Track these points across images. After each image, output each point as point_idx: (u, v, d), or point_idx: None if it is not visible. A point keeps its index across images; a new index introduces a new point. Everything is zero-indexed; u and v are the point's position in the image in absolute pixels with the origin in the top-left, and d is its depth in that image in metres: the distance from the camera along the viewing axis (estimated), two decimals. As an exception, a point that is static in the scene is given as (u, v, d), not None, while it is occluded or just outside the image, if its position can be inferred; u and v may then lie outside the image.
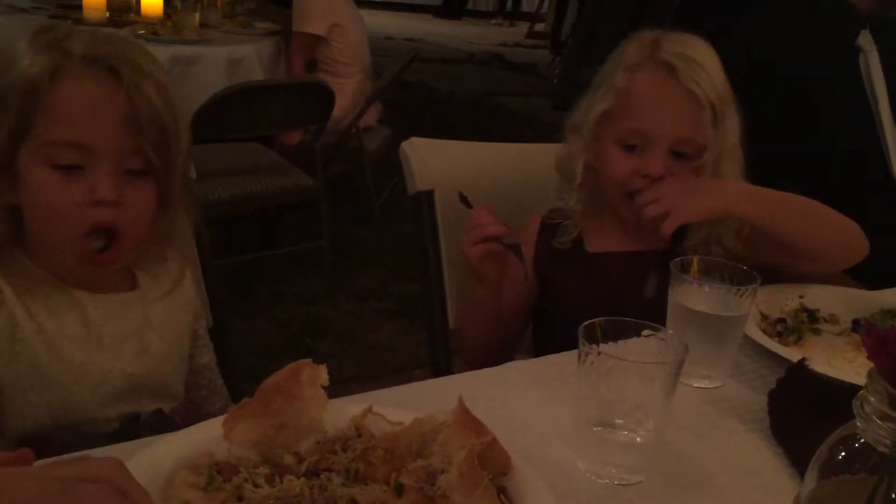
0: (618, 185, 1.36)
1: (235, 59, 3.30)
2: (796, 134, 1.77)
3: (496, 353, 1.41)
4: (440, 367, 1.53)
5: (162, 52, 3.05)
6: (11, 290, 1.02)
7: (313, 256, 3.47)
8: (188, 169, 1.14)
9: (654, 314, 1.06)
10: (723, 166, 1.34)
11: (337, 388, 0.84)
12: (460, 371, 1.49)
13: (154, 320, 1.14)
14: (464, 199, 1.38)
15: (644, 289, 1.28)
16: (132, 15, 3.66)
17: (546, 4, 11.35)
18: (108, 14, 3.51)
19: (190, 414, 1.18)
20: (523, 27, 12.03)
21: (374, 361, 2.92)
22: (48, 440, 1.02)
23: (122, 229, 1.03)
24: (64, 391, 1.04)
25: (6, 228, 1.04)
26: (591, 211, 1.44)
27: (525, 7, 13.05)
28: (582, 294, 1.41)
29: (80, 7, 3.46)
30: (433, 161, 1.53)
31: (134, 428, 1.06)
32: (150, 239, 1.10)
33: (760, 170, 1.78)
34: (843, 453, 0.63)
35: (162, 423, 1.08)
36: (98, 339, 1.06)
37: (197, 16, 3.56)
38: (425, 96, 7.08)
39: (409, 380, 1.06)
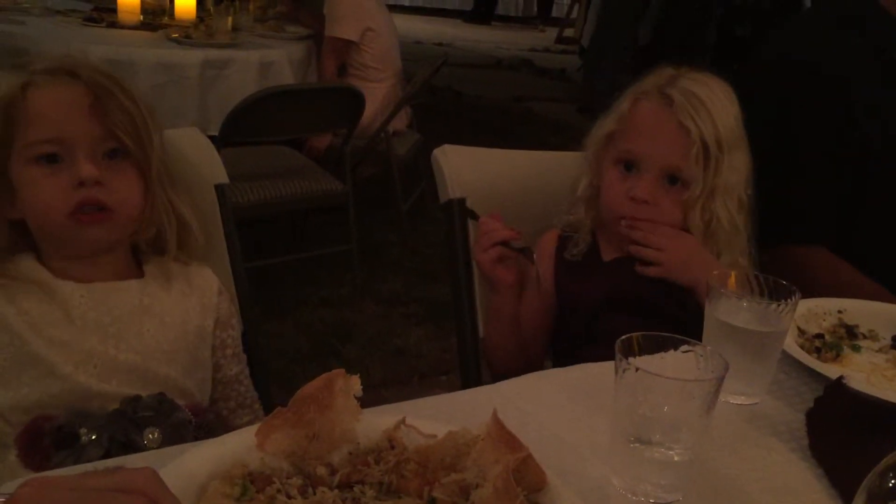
0: (610, 209, 1.43)
1: (266, 62, 3.33)
2: (834, 137, 1.74)
3: (521, 369, 1.41)
4: (470, 374, 1.52)
5: (194, 56, 3.10)
6: (1, 290, 1.12)
7: (341, 260, 3.48)
8: (166, 163, 1.23)
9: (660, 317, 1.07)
10: (715, 204, 1.37)
11: (364, 392, 0.83)
12: (489, 379, 1.48)
13: (155, 309, 1.19)
14: (470, 213, 1.44)
15: None
16: (166, 18, 3.69)
17: (576, 10, 11.32)
18: (141, 17, 3.55)
19: (201, 412, 1.20)
20: (552, 32, 12.02)
21: (401, 366, 2.91)
22: (50, 420, 1.08)
23: (109, 204, 1.13)
24: (50, 368, 1.10)
25: (10, 238, 1.16)
26: (601, 225, 1.50)
27: (555, 12, 13.04)
28: (594, 300, 1.45)
29: (114, 10, 3.50)
30: (465, 168, 1.52)
31: (133, 408, 1.11)
32: (139, 221, 1.19)
33: (803, 170, 1.75)
34: (893, 480, 0.61)
35: (162, 406, 1.12)
36: (83, 322, 1.13)
37: (229, 20, 3.58)
38: (454, 101, 7.08)
39: (436, 385, 1.06)
